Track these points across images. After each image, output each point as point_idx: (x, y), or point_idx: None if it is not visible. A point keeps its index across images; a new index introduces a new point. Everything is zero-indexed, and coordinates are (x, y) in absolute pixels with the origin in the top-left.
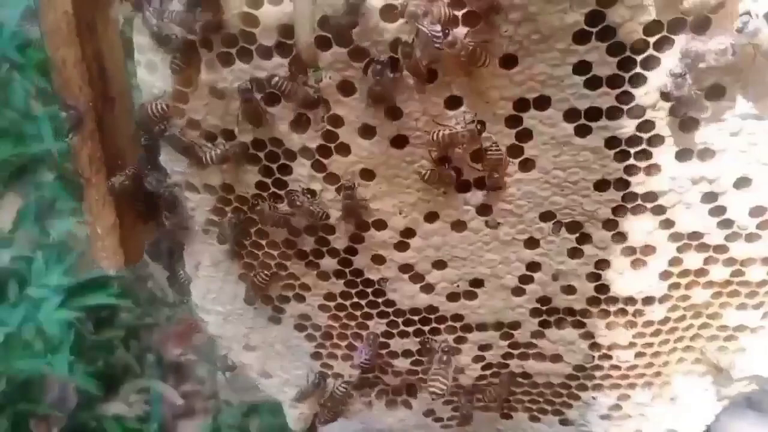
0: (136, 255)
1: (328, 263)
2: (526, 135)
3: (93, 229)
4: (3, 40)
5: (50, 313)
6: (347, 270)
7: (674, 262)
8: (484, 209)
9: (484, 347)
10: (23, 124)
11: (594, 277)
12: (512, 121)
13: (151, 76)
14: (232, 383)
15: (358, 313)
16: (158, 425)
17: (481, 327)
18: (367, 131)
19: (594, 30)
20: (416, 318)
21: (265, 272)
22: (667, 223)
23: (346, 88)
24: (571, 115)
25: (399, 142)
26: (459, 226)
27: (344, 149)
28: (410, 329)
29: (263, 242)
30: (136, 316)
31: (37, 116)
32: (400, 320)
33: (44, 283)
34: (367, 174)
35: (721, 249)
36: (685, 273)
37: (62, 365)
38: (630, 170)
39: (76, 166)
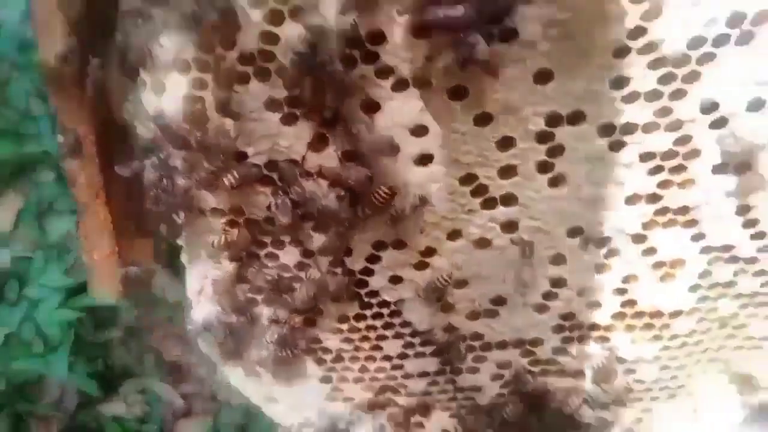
0: (134, 284)
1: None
2: (557, 150)
3: (90, 257)
4: (3, 39)
5: (50, 314)
6: (362, 291)
7: (703, 274)
8: (509, 227)
9: (503, 365)
10: (23, 123)
11: (621, 291)
12: (544, 137)
13: (157, 97)
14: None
15: (372, 335)
16: (158, 426)
17: (501, 345)
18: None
19: (635, 46)
20: (434, 339)
21: None
22: (698, 237)
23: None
24: (605, 130)
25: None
26: (483, 243)
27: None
28: (427, 350)
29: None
30: (135, 316)
31: (37, 116)
32: (416, 341)
33: (43, 283)
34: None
35: (751, 261)
36: (714, 286)
37: (62, 365)
38: (663, 185)
39: (73, 191)
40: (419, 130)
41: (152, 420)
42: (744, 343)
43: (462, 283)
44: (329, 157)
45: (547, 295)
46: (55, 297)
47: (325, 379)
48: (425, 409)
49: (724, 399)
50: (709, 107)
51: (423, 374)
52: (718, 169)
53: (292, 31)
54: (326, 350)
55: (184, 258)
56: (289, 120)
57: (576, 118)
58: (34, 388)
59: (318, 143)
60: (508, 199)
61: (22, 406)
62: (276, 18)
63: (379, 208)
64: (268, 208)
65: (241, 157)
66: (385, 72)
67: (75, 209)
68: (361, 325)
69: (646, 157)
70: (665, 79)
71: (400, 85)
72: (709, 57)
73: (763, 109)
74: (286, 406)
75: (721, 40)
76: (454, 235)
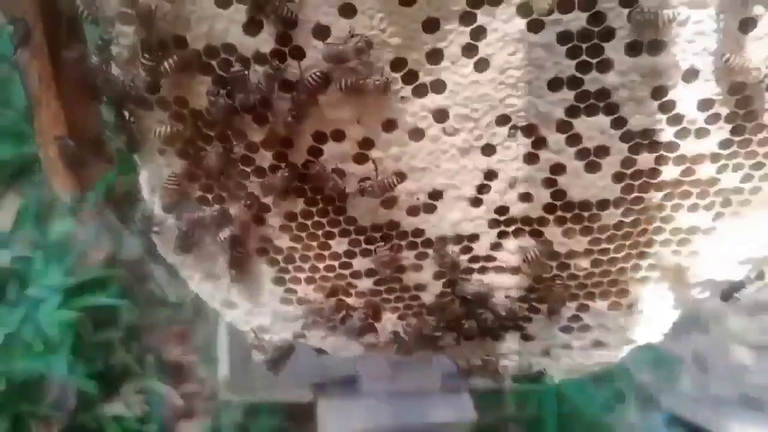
0: (90, 181)
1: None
2: (480, 32)
3: (45, 152)
4: (3, 40)
5: (50, 314)
6: (306, 186)
7: (626, 162)
8: (440, 115)
9: (444, 263)
10: (23, 124)
11: (550, 182)
12: (467, 19)
13: None
14: (232, 384)
15: (320, 232)
16: (158, 426)
17: (441, 241)
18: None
19: None
20: (378, 235)
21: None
22: (619, 122)
23: None
24: (523, 10)
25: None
26: (417, 134)
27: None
28: (372, 247)
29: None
30: (135, 316)
31: None
32: (362, 238)
33: (44, 284)
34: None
35: (671, 147)
36: (637, 174)
37: (62, 366)
38: (582, 67)
39: (24, 84)
40: (347, 11)
41: (152, 420)
42: (672, 237)
43: (400, 176)
44: (264, 42)
45: (480, 188)
46: (55, 297)
47: (278, 281)
48: (376, 312)
49: (656, 295)
50: None
51: (370, 272)
52: (631, 49)
53: None
54: (277, 249)
55: (136, 157)
56: (223, 1)
57: None
58: (34, 388)
59: (252, 27)
60: (438, 86)
61: (22, 406)
62: None
63: (311, 92)
64: (209, 95)
65: (180, 42)
66: None
67: (75, 210)
68: (308, 221)
69: (563, 38)
70: None
71: None
72: None
73: None
74: (243, 311)
75: None
76: (389, 125)
